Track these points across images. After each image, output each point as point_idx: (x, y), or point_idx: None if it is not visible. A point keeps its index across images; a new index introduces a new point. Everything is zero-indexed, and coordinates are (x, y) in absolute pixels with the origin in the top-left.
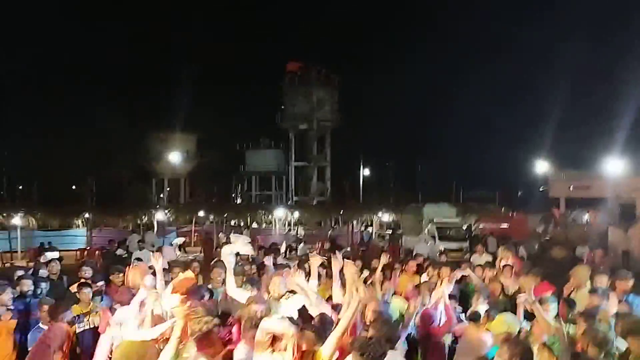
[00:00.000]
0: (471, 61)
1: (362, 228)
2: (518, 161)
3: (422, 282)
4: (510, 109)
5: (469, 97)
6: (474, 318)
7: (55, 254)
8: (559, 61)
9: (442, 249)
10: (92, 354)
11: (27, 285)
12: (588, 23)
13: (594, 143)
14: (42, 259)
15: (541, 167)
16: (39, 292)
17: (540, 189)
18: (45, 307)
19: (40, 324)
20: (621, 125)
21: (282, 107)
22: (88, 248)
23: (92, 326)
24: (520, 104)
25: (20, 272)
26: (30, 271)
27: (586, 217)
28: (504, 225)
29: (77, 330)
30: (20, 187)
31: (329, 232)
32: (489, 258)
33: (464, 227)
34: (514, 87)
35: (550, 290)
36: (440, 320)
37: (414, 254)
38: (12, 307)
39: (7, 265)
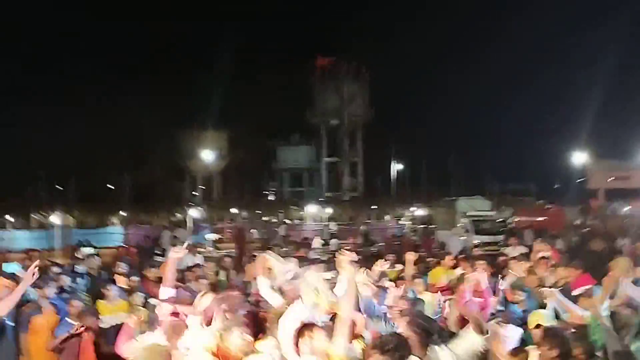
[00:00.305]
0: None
1: (395, 223)
2: (555, 152)
3: (457, 275)
4: (546, 99)
5: (505, 89)
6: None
7: (93, 250)
8: (597, 48)
9: (477, 243)
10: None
11: (66, 281)
12: (629, 7)
13: (634, 132)
14: (79, 255)
15: (579, 158)
16: (75, 287)
17: (579, 181)
18: (75, 303)
19: (67, 319)
20: None
21: (313, 102)
22: (125, 245)
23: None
24: (557, 93)
25: (56, 269)
26: (71, 267)
27: (626, 208)
28: (541, 218)
29: (102, 326)
30: (58, 187)
31: (361, 227)
32: (523, 250)
33: (500, 221)
34: (550, 77)
35: (591, 283)
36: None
37: (446, 248)
38: (55, 302)
39: (47, 262)
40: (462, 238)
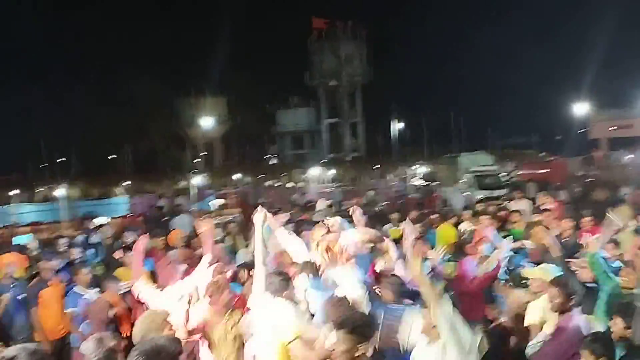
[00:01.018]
0: (506, 6)
1: (398, 181)
2: (556, 104)
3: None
4: (546, 49)
5: (504, 40)
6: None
7: (105, 219)
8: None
9: (481, 198)
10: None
11: (77, 254)
12: None
13: (635, 81)
14: (90, 226)
15: (581, 108)
16: (87, 257)
17: (580, 131)
18: (83, 272)
19: (76, 289)
20: None
21: (311, 65)
22: (131, 214)
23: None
24: (556, 42)
25: (63, 241)
26: (80, 238)
27: (629, 156)
28: (544, 170)
29: (119, 292)
30: (60, 160)
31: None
32: (528, 204)
33: (503, 175)
34: (548, 25)
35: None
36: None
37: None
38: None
39: (54, 235)
40: (465, 194)
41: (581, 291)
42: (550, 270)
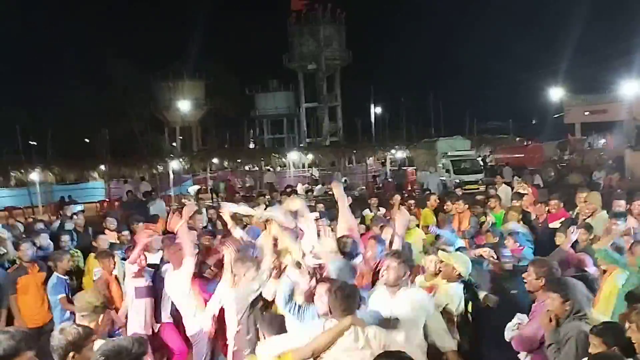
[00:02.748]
0: None
1: (380, 166)
2: (531, 89)
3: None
4: (522, 35)
5: (482, 25)
6: None
7: (80, 207)
8: None
9: (458, 182)
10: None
11: (45, 239)
12: None
13: (608, 65)
14: (67, 212)
15: (555, 93)
16: (63, 244)
17: (556, 116)
18: (65, 258)
19: (58, 274)
20: (636, 45)
21: (289, 48)
22: (108, 199)
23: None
24: (532, 29)
25: (40, 226)
26: (54, 225)
27: (602, 141)
28: (520, 155)
29: (94, 278)
30: (35, 143)
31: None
32: (508, 189)
33: (479, 159)
34: (524, 11)
35: (565, 217)
36: None
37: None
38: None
39: (30, 220)
40: (442, 178)
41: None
42: (459, 258)
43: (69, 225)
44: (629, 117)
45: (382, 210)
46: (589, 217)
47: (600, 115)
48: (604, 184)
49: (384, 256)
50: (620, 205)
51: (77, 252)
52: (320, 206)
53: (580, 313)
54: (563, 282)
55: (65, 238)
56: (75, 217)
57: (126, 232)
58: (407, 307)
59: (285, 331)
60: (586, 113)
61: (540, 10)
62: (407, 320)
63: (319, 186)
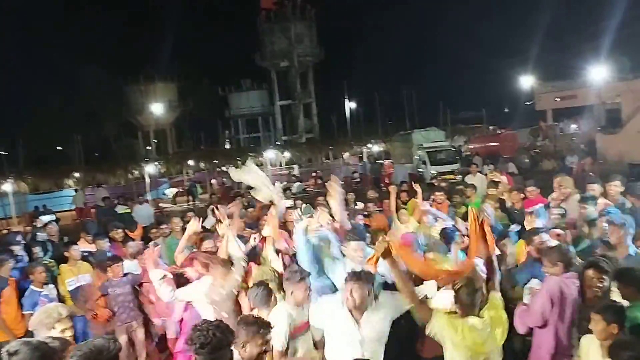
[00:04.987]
0: None
1: (358, 161)
2: (502, 77)
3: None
4: (491, 24)
5: (452, 15)
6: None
7: (52, 217)
8: None
9: (435, 173)
10: None
11: (17, 251)
12: None
13: (576, 51)
14: (38, 223)
15: (526, 81)
16: (37, 256)
17: (527, 103)
18: (39, 270)
19: (32, 287)
20: (603, 30)
21: (261, 46)
22: (83, 207)
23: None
24: (501, 17)
25: (17, 238)
26: (29, 236)
27: (574, 126)
28: (493, 144)
29: (69, 289)
30: (5, 153)
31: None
32: (483, 177)
33: (454, 149)
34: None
35: (542, 203)
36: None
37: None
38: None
39: (4, 231)
40: (419, 170)
41: None
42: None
43: (42, 236)
44: (598, 101)
45: (360, 205)
46: (562, 201)
47: (570, 101)
48: (577, 168)
49: (345, 281)
50: (593, 189)
51: (52, 262)
52: (299, 203)
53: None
54: (612, 306)
55: (36, 249)
56: (48, 226)
57: (104, 240)
58: (375, 329)
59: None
60: (557, 99)
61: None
62: (376, 341)
63: (297, 183)
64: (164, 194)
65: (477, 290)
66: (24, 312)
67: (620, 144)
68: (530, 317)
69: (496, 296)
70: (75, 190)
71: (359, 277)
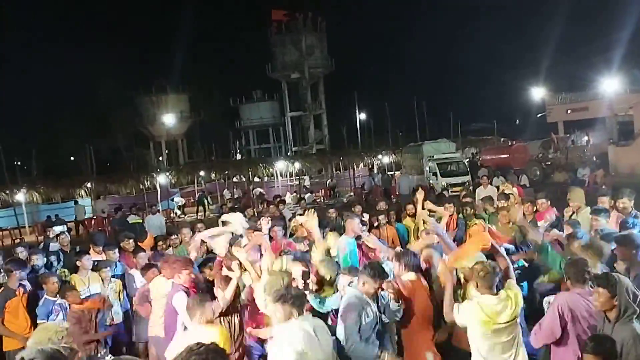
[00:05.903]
0: None
1: (368, 172)
2: (514, 89)
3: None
4: (503, 37)
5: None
6: None
7: (63, 227)
8: None
9: (445, 186)
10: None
11: (39, 260)
12: None
13: (588, 63)
14: (50, 234)
15: (537, 93)
16: (50, 265)
17: (539, 115)
18: (52, 280)
19: (47, 296)
20: (615, 43)
21: (272, 58)
22: (94, 217)
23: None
24: (513, 30)
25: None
26: (41, 246)
27: (585, 138)
28: (505, 155)
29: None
30: (19, 163)
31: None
32: (494, 190)
33: (465, 161)
34: (506, 14)
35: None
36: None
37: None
38: (24, 283)
39: (17, 241)
40: (430, 182)
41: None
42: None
43: (54, 246)
44: (610, 113)
45: (366, 216)
46: (573, 214)
47: (582, 113)
48: (589, 180)
49: None
50: (603, 201)
51: (64, 271)
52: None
53: (629, 312)
54: (611, 277)
55: (53, 259)
56: (60, 237)
57: (113, 250)
58: None
59: None
60: (568, 111)
61: (520, 12)
62: None
63: (308, 194)
64: (174, 204)
65: (496, 272)
66: (38, 321)
67: (632, 156)
68: (541, 332)
69: (512, 282)
70: (75, 202)
71: None
